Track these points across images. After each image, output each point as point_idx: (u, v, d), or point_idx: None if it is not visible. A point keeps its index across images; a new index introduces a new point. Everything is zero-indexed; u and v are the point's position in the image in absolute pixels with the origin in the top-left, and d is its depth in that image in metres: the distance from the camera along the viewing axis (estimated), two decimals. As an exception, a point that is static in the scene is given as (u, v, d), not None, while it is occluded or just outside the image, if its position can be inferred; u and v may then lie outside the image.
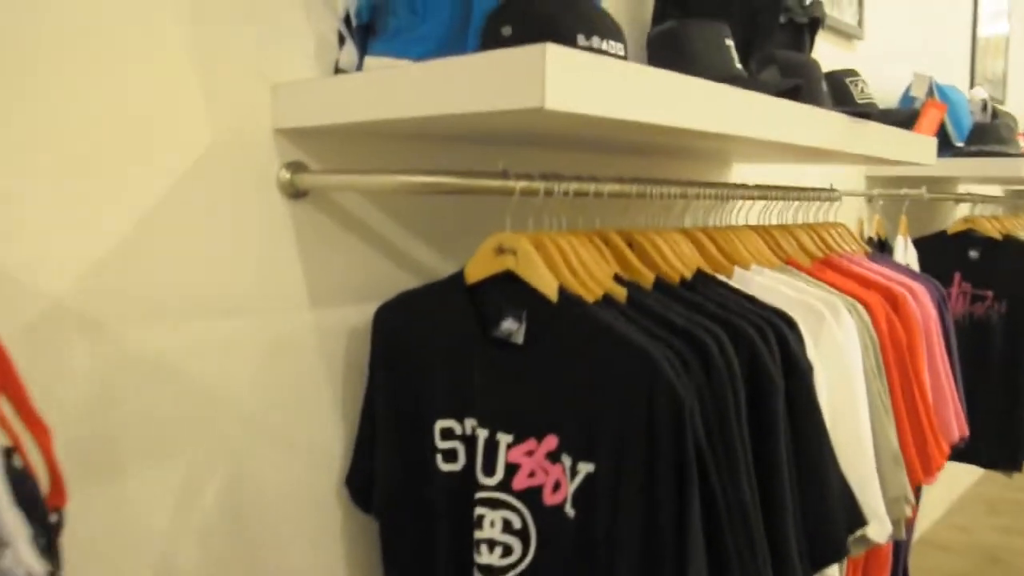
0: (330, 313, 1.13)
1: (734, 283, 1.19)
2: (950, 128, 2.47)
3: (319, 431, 1.12)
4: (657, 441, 0.85)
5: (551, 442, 0.95)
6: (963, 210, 3.15)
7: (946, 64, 3.20)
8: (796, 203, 1.81)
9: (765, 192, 1.42)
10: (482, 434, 1.02)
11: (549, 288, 0.96)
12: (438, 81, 0.84)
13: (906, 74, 2.71)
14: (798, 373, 1.03)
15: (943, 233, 2.53)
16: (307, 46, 1.08)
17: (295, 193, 1.07)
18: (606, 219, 1.42)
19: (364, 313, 1.15)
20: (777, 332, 1.04)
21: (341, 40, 1.09)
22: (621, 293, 1.00)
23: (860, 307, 1.25)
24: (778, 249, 1.39)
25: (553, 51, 0.74)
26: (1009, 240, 2.45)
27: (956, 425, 1.44)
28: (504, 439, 1.00)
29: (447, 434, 1.05)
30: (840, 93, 1.46)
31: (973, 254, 2.48)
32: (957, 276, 2.49)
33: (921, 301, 1.43)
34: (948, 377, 1.46)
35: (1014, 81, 3.90)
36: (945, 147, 2.50)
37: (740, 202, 1.82)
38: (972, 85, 3.34)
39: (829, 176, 2.31)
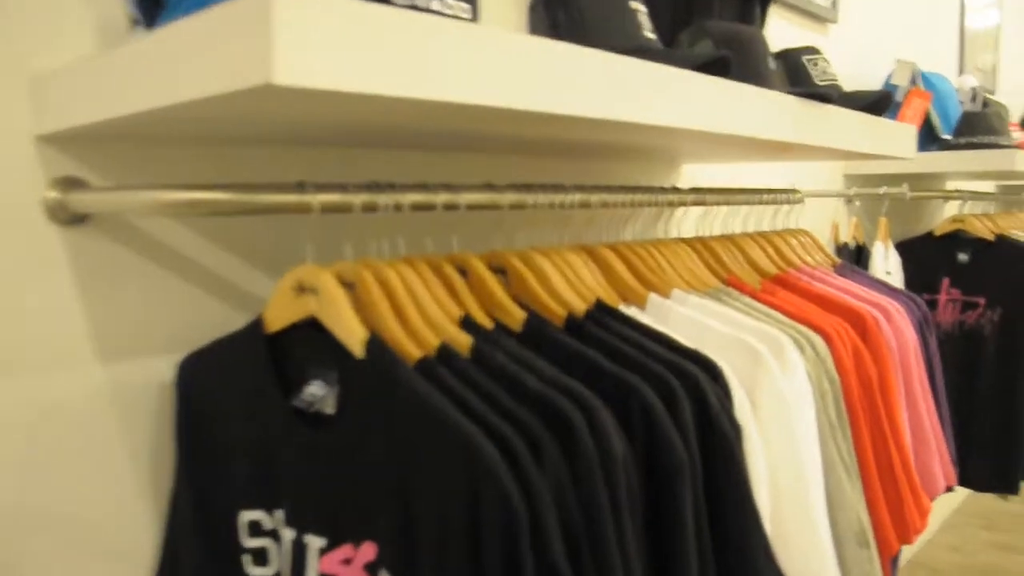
0: (128, 368, 0.84)
1: (645, 317, 0.90)
2: (936, 119, 2.18)
3: (117, 526, 0.83)
4: (485, 562, 0.57)
5: (369, 551, 0.67)
6: (953, 209, 2.85)
7: (932, 56, 2.90)
8: (754, 209, 1.52)
9: (702, 196, 1.13)
10: (288, 535, 0.73)
11: (354, 340, 0.68)
12: (163, 57, 0.56)
13: (887, 63, 2.41)
14: (718, 442, 0.74)
15: (929, 235, 2.23)
16: (83, 30, 0.79)
17: (70, 218, 0.79)
18: (475, 239, 1.13)
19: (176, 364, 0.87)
20: (691, 387, 0.75)
21: (136, 22, 0.81)
22: (464, 343, 0.72)
23: (817, 340, 0.96)
24: (718, 266, 1.10)
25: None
26: (1003, 241, 2.15)
27: (941, 474, 1.15)
28: (315, 543, 0.71)
29: (255, 529, 0.76)
30: (795, 73, 1.18)
31: (963, 257, 2.19)
32: (945, 282, 2.19)
33: (897, 324, 1.14)
34: (931, 415, 1.17)
35: (1006, 73, 3.60)
36: (931, 140, 2.20)
37: (685, 210, 1.53)
38: (961, 74, 3.04)
39: (805, 175, 2.02)
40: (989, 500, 3.36)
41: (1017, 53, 3.66)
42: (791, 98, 0.99)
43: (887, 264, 1.80)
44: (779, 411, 0.83)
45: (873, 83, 2.29)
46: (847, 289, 1.17)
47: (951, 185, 2.94)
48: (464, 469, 0.60)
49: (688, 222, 1.56)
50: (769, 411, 0.83)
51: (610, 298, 0.91)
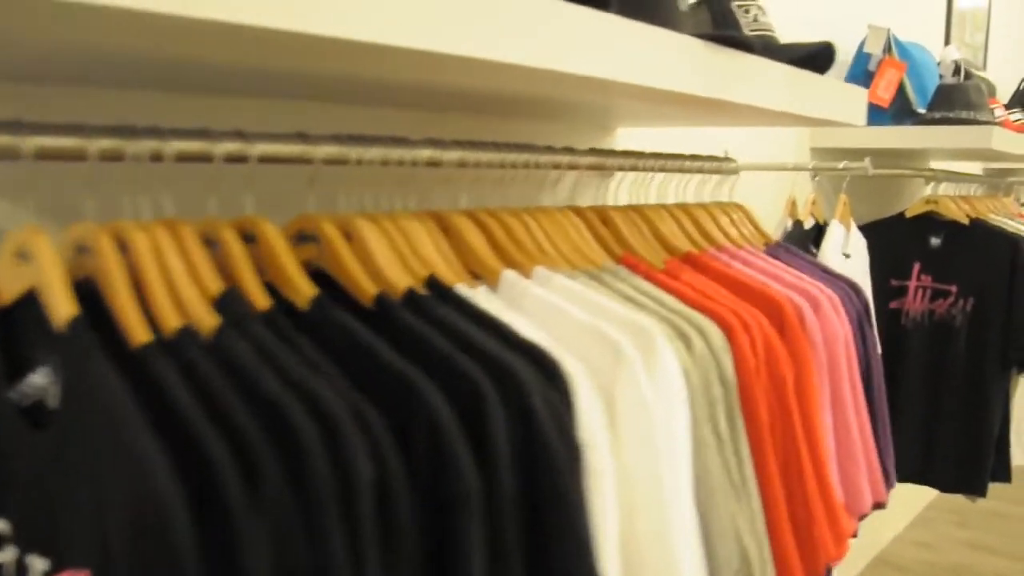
0: None
1: (493, 299, 0.72)
2: (910, 91, 1.99)
3: None
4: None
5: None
6: (938, 190, 2.66)
7: (917, 31, 2.70)
8: (697, 179, 1.34)
9: (601, 160, 0.95)
10: (8, 555, 0.57)
11: (60, 319, 0.51)
12: None
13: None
14: (542, 460, 0.57)
15: (901, 216, 2.04)
16: None
17: None
18: (328, 200, 0.95)
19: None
20: (511, 390, 0.58)
21: None
22: (208, 325, 0.54)
23: (713, 333, 0.78)
24: (614, 242, 0.92)
25: None
26: (977, 225, 1.97)
27: (869, 491, 0.98)
28: (38, 565, 0.55)
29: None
30: (721, 20, 1.00)
31: (935, 241, 2.00)
32: (916, 267, 2.01)
33: (826, 315, 0.96)
34: (862, 421, 1.00)
35: (995, 51, 3.39)
36: (905, 113, 2.01)
37: (621, 177, 1.35)
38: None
39: (768, 146, 1.83)
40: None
41: (1007, 30, 3.45)
42: (696, 42, 0.81)
43: (847, 246, 1.62)
44: (639, 421, 0.65)
45: (848, 52, 2.09)
46: (773, 273, 0.99)
47: (936, 165, 2.74)
48: (132, 496, 0.43)
49: (623, 191, 1.38)
50: (627, 421, 0.66)
51: (454, 275, 0.73)
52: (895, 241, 2.02)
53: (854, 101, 1.13)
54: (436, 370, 0.58)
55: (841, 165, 1.59)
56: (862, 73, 2.01)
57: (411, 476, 0.53)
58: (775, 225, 1.74)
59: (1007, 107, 2.45)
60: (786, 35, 1.98)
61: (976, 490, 1.98)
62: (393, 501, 0.51)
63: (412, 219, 0.75)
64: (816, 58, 1.01)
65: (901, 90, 1.99)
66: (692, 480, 0.70)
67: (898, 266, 2.02)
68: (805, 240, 1.57)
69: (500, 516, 0.56)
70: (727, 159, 1.20)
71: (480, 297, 0.71)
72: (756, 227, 1.16)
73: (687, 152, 1.38)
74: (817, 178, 2.04)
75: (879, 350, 1.09)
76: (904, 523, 2.93)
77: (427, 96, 0.89)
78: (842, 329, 0.97)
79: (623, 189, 1.37)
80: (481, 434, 0.56)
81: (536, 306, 0.72)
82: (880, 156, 2.29)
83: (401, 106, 1.00)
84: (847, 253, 1.61)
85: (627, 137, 1.43)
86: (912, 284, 2.01)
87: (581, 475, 0.60)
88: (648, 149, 1.43)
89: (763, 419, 0.81)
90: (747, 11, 1.01)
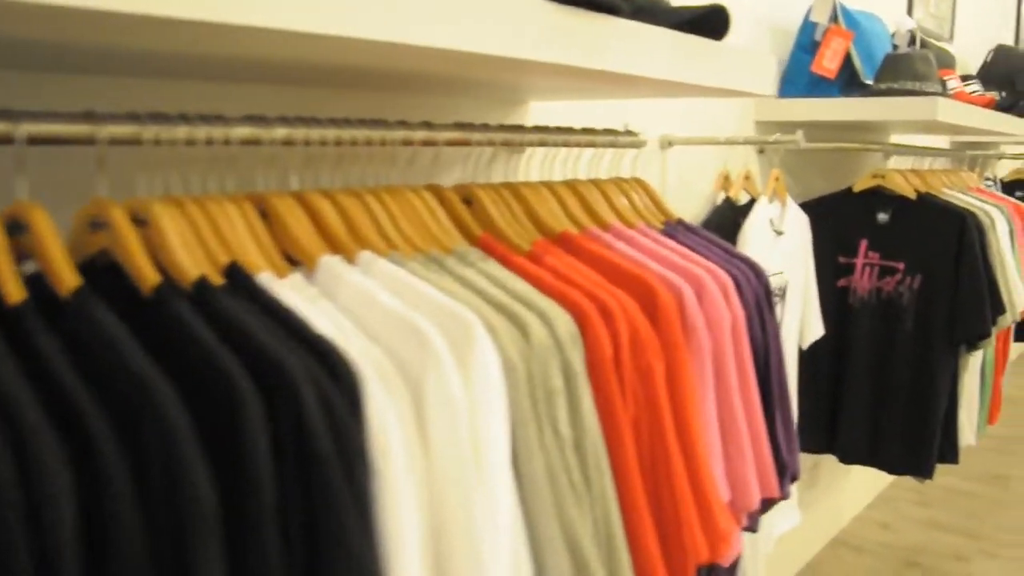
0: None
1: (309, 286, 0.66)
2: (857, 61, 1.91)
3: None
4: None
5: None
6: (903, 163, 2.58)
7: (880, 2, 2.62)
8: (613, 154, 1.27)
9: (466, 135, 0.88)
10: None
11: None
12: None
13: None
14: (311, 468, 0.51)
15: (848, 191, 1.97)
16: None
17: None
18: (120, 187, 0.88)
19: None
20: (285, 391, 0.51)
21: None
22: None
23: (561, 321, 0.71)
24: (474, 222, 0.85)
25: None
26: (924, 200, 1.90)
27: (757, 486, 0.92)
28: None
29: None
30: (606, -15, 0.92)
31: (882, 217, 1.93)
32: (863, 244, 1.94)
33: (712, 299, 0.89)
34: (752, 413, 0.93)
35: (962, 22, 3.30)
36: (853, 85, 1.93)
37: (530, 153, 1.28)
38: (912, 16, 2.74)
39: (708, 120, 1.76)
40: (928, 472, 3.15)
41: (973, 1, 3.36)
42: (546, 6, 0.73)
43: (782, 223, 1.55)
44: (446, 418, 0.59)
45: (794, 22, 2.01)
46: (658, 254, 0.92)
47: (900, 139, 2.67)
48: None
49: (534, 168, 1.30)
50: (435, 418, 0.59)
51: (265, 261, 0.67)
52: (842, 217, 1.95)
53: (759, 68, 1.06)
54: (193, 369, 0.51)
55: (772, 138, 1.52)
56: (808, 43, 1.93)
57: (141, 490, 0.47)
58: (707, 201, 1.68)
59: (968, 79, 2.37)
60: (749, 7, 1.91)
61: (922, 471, 1.93)
62: (109, 516, 0.45)
63: (225, 203, 0.68)
64: (706, 21, 0.93)
65: (849, 61, 1.91)
66: (516, 482, 0.63)
67: (845, 243, 1.95)
68: (737, 217, 1.50)
69: (258, 531, 0.50)
70: (630, 133, 1.12)
71: (286, 286, 0.65)
72: (656, 203, 1.09)
73: (600, 126, 1.31)
74: (763, 152, 1.97)
75: (778, 337, 1.02)
76: (865, 503, 2.89)
77: (322, 73, 0.82)
78: (729, 314, 0.90)
79: (535, 166, 1.29)
80: (236, 440, 0.50)
81: (350, 295, 0.65)
82: (837, 129, 2.21)
83: (301, 84, 0.93)
84: (780, 230, 1.54)
85: (543, 111, 1.35)
86: (859, 261, 1.94)
87: (364, 480, 0.54)
88: (563, 123, 1.36)
89: (621, 414, 0.75)
90: (635, -27, 0.94)
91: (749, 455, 0.90)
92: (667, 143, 1.62)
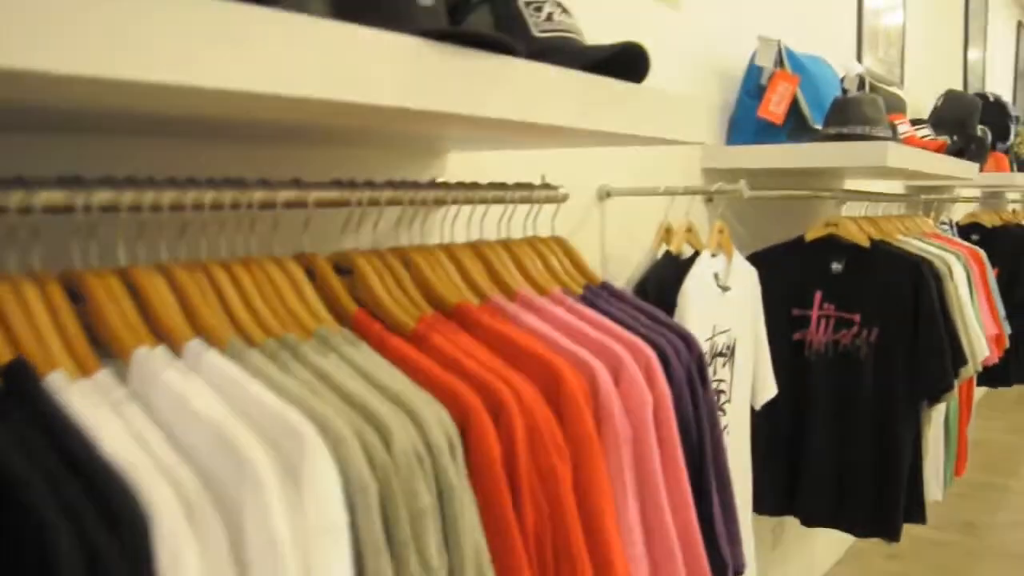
0: None
1: (118, 388, 0.52)
2: (804, 106, 1.82)
3: None
4: None
5: None
6: (861, 209, 2.49)
7: (827, 45, 2.56)
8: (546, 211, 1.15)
9: (372, 195, 0.76)
10: None
11: None
12: None
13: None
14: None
15: (800, 241, 1.87)
16: None
17: None
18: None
19: None
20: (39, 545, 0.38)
21: None
22: None
23: (431, 421, 0.58)
24: (346, 297, 0.72)
25: None
26: (878, 248, 1.80)
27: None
28: None
29: None
30: (508, 22, 0.81)
31: (836, 267, 1.83)
32: (818, 295, 1.84)
33: (631, 380, 0.77)
34: (681, 505, 0.80)
35: (911, 67, 3.27)
36: (802, 130, 1.85)
37: (455, 211, 1.15)
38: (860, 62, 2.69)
39: (658, 169, 1.65)
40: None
41: (923, 45, 3.34)
42: (416, 43, 0.61)
43: (728, 277, 1.44)
44: (267, 560, 0.45)
45: (741, 67, 1.92)
46: (570, 327, 0.80)
47: (854, 185, 2.59)
48: None
49: (459, 229, 1.18)
50: (256, 561, 0.46)
51: (68, 356, 0.53)
52: (795, 268, 1.85)
53: (685, 113, 0.95)
54: None
55: (715, 187, 1.41)
56: (754, 88, 1.84)
57: None
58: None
59: (919, 123, 2.31)
60: (693, 52, 1.82)
61: (889, 534, 1.80)
62: None
63: (22, 283, 0.55)
64: (621, 61, 0.82)
65: (796, 106, 1.82)
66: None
67: (799, 294, 1.85)
68: (679, 272, 1.38)
69: None
70: (550, 186, 1.01)
71: (85, 388, 0.51)
72: (577, 265, 0.97)
73: (530, 179, 1.19)
74: (711, 201, 1.87)
75: (713, 418, 0.90)
76: (834, 559, 2.75)
77: (220, 127, 0.70)
78: (652, 394, 0.78)
79: (460, 226, 1.17)
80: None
81: (165, 398, 0.52)
82: (789, 176, 2.12)
83: (195, 138, 0.81)
84: (726, 285, 1.42)
85: (470, 162, 1.24)
86: (814, 314, 1.84)
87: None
88: (495, 175, 1.24)
89: (514, 528, 0.61)
90: (539, 9, 0.83)
91: (679, 559, 0.77)
92: (605, 194, 1.51)
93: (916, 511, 1.81)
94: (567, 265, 0.95)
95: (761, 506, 1.89)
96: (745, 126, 1.87)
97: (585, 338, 0.78)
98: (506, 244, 0.91)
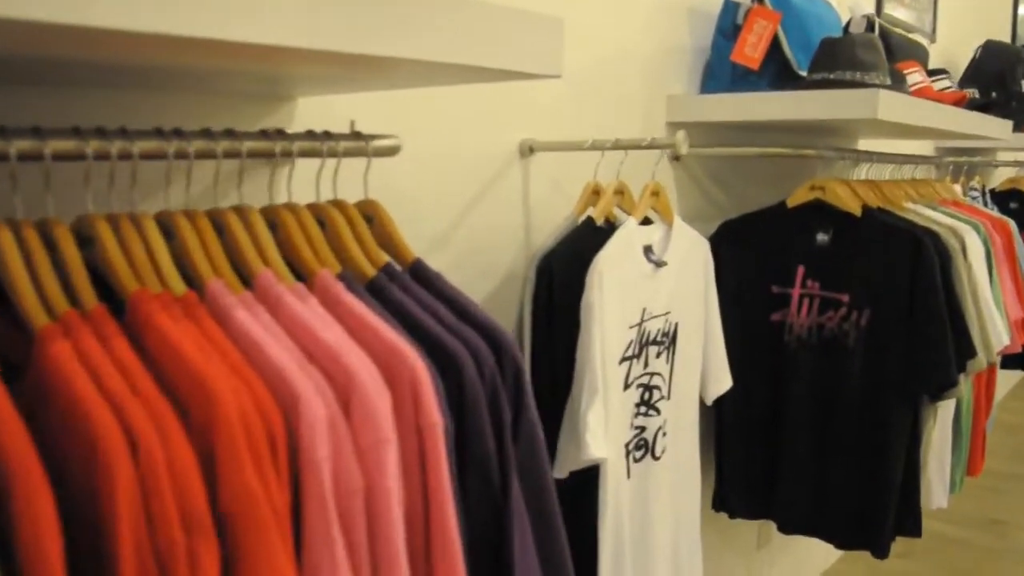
0: None
1: None
2: (787, 49, 1.51)
3: None
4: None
5: None
6: (880, 172, 2.16)
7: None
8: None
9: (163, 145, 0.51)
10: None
11: None
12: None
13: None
14: None
15: (782, 207, 1.57)
16: None
17: None
18: None
19: None
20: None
21: None
22: None
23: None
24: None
25: None
26: (872, 217, 1.49)
27: None
28: None
29: None
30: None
31: (822, 238, 1.53)
32: (800, 271, 1.54)
33: (368, 408, 0.51)
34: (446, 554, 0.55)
35: (949, 20, 2.88)
36: (785, 77, 1.54)
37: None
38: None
39: (623, 125, 1.38)
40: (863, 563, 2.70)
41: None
42: None
43: (665, 251, 1.16)
44: None
45: (716, 3, 1.61)
46: (305, 330, 0.55)
47: (871, 144, 2.25)
48: None
49: (305, 186, 0.93)
50: None
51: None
52: (775, 239, 1.55)
53: (533, 36, 0.68)
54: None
55: (647, 141, 1.13)
56: (730, 27, 1.54)
57: None
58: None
59: (939, 74, 1.96)
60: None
61: (876, 548, 1.52)
62: None
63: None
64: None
65: (779, 48, 1.52)
66: None
67: (779, 269, 1.55)
68: (600, 245, 1.11)
69: None
70: (355, 135, 0.75)
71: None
72: (385, 238, 0.71)
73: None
74: (678, 159, 1.58)
75: (541, 446, 0.64)
76: (837, 555, 2.47)
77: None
78: (394, 433, 0.52)
79: (306, 183, 0.92)
80: None
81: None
82: (784, 132, 1.82)
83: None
84: (661, 260, 1.14)
85: (323, 110, 0.98)
86: (796, 292, 1.54)
87: None
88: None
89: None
90: None
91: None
92: (527, 149, 1.24)
93: (910, 523, 1.52)
94: (367, 239, 0.70)
95: (735, 509, 1.63)
96: (720, 73, 1.57)
97: (315, 346, 0.53)
98: (277, 210, 0.66)
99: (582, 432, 0.98)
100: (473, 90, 1.15)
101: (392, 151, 0.79)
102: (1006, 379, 4.08)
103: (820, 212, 1.52)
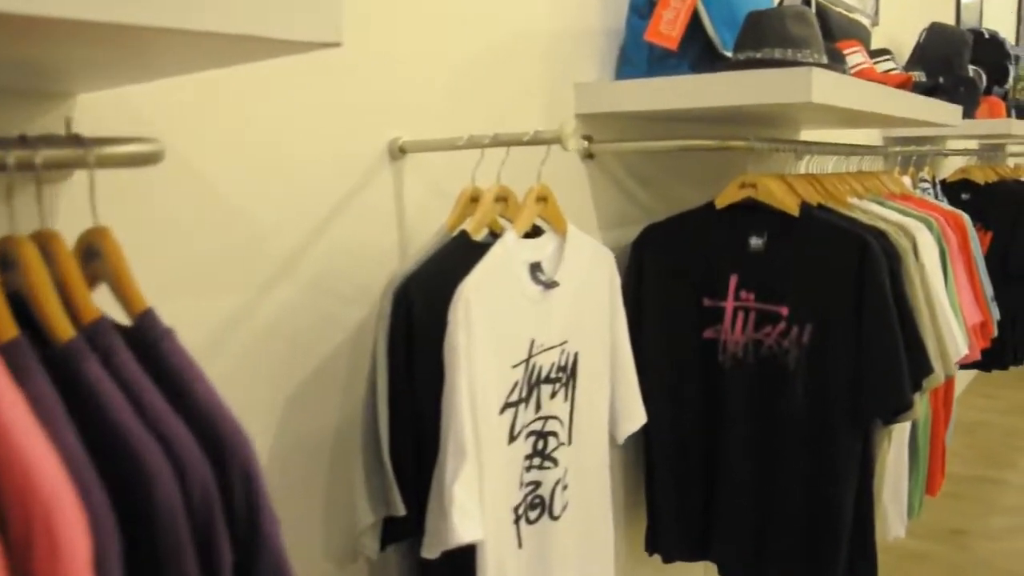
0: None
1: None
2: (710, 27, 1.32)
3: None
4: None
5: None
6: (834, 166, 1.97)
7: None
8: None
9: None
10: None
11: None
12: None
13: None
14: None
15: (710, 207, 1.38)
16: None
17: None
18: None
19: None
20: None
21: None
22: None
23: None
24: None
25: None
26: (812, 217, 1.30)
27: None
28: None
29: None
30: None
31: (756, 243, 1.34)
32: (733, 280, 1.35)
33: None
34: None
35: (892, 2, 2.73)
36: (713, 58, 1.35)
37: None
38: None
39: (534, 114, 1.17)
40: None
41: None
42: None
43: (558, 267, 0.95)
44: None
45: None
46: None
47: (815, 136, 2.08)
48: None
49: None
50: None
51: None
52: (705, 243, 1.36)
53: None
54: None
55: (528, 136, 0.92)
56: (645, 4, 1.34)
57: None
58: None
59: (882, 55, 1.79)
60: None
61: (826, 595, 1.33)
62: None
63: None
64: None
65: (699, 26, 1.32)
66: None
67: (711, 279, 1.36)
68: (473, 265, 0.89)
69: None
70: (72, 137, 0.53)
71: None
72: (120, 283, 0.50)
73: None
74: (592, 157, 1.38)
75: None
76: None
77: None
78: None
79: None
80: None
81: None
82: (717, 124, 1.63)
83: None
84: (551, 281, 0.94)
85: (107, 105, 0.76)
86: (729, 305, 1.35)
87: None
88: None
89: None
90: None
91: None
92: (398, 151, 1.03)
93: (863, 564, 1.34)
94: (73, 286, 0.48)
95: (670, 551, 1.43)
96: (636, 56, 1.37)
97: None
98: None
99: (447, 509, 0.77)
100: (330, 82, 0.93)
101: (143, 159, 0.57)
102: (963, 375, 3.97)
103: (753, 213, 1.33)
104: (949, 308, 1.47)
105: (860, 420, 1.27)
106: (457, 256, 0.88)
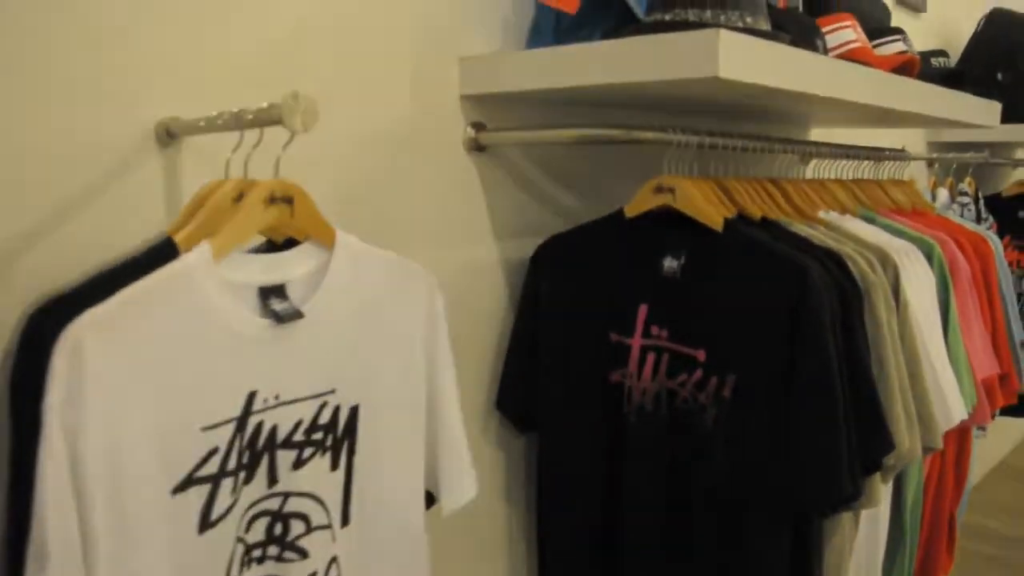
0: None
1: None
2: (621, -16, 1.03)
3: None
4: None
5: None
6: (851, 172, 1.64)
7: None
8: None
9: None
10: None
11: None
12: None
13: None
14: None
15: (619, 216, 1.09)
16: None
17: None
18: None
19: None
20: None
21: None
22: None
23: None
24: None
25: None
26: (736, 233, 0.99)
27: None
28: None
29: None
30: None
31: (670, 264, 1.04)
32: (642, 312, 1.06)
33: None
34: None
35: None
36: (628, 21, 1.06)
37: None
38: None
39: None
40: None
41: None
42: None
43: (313, 291, 0.68)
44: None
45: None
46: None
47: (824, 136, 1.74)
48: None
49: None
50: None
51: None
52: (613, 262, 1.07)
53: None
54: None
55: (250, 116, 0.66)
56: (546, -44, 1.06)
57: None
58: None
59: (892, 34, 1.44)
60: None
61: None
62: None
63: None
64: None
65: (612, -15, 1.03)
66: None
67: (619, 308, 1.07)
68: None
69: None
70: None
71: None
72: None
73: None
74: (484, 150, 1.11)
75: None
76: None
77: None
78: None
79: None
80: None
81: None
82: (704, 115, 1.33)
83: None
84: (291, 311, 0.68)
85: None
86: (636, 342, 1.06)
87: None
88: None
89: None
90: None
91: None
92: (165, 132, 0.78)
93: None
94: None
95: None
96: (544, 25, 1.10)
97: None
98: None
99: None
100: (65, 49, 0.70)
101: None
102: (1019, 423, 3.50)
103: (670, 226, 1.03)
104: (945, 359, 1.15)
105: (786, 509, 0.96)
106: (136, 276, 0.63)
